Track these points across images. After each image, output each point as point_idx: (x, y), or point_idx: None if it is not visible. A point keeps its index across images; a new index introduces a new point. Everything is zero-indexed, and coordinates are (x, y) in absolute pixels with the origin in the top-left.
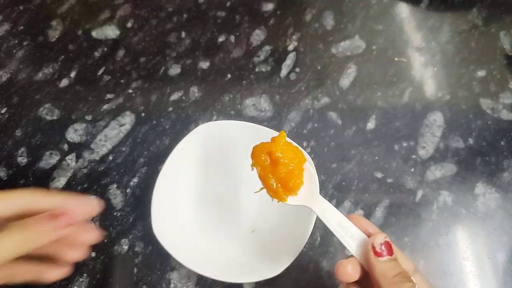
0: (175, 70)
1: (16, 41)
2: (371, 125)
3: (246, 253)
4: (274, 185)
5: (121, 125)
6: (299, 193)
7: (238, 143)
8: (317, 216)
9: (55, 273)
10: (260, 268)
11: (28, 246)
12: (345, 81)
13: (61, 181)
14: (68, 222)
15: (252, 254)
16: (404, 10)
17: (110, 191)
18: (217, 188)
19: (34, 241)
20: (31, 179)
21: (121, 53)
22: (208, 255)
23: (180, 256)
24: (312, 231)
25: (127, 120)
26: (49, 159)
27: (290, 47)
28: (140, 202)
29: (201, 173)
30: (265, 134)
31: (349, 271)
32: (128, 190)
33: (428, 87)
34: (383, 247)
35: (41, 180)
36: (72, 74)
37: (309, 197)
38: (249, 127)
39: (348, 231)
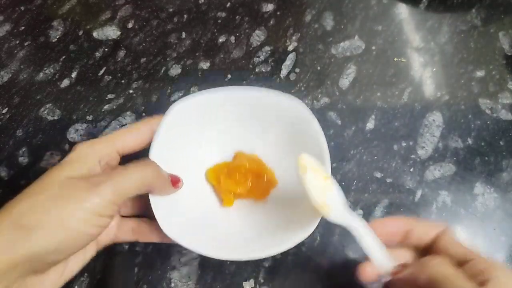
0: (175, 70)
1: (17, 42)
2: (370, 125)
3: (253, 228)
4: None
5: (122, 125)
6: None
7: (228, 112)
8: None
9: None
10: (268, 243)
11: (147, 182)
12: (345, 82)
13: None
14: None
15: (259, 229)
16: (403, 11)
17: None
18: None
19: (152, 178)
20: (32, 179)
21: (121, 53)
22: (215, 236)
23: (191, 244)
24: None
25: (128, 120)
26: (50, 159)
27: (290, 48)
28: None
29: (195, 153)
30: (249, 95)
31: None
32: None
33: (427, 87)
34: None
35: None
36: (73, 75)
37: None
38: (232, 93)
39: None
